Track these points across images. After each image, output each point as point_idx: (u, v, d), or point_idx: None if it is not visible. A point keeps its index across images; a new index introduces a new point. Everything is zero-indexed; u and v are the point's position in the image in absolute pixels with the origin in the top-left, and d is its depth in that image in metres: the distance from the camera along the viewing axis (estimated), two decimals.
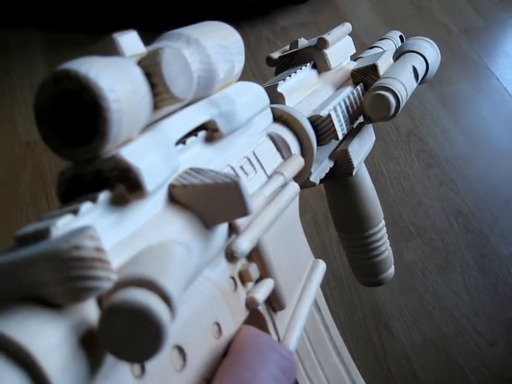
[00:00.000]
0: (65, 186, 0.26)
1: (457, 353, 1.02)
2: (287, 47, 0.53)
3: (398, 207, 1.17)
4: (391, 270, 0.56)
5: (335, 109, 0.43)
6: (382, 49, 0.59)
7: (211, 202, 0.27)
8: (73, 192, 0.26)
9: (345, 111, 0.45)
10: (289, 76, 0.44)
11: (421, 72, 0.52)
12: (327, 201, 0.54)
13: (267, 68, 1.40)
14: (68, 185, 0.26)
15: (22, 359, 0.18)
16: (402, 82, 0.46)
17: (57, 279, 0.19)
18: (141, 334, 0.19)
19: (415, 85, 0.50)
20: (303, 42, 0.52)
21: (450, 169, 1.26)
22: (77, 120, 0.25)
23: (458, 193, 1.23)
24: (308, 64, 0.48)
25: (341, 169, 0.47)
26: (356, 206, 0.53)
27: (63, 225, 0.22)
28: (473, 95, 1.42)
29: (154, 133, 0.28)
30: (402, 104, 0.45)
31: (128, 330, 0.19)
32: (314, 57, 0.49)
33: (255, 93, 0.37)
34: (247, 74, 1.38)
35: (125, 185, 0.25)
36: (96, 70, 0.24)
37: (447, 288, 1.09)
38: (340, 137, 0.42)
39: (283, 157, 0.37)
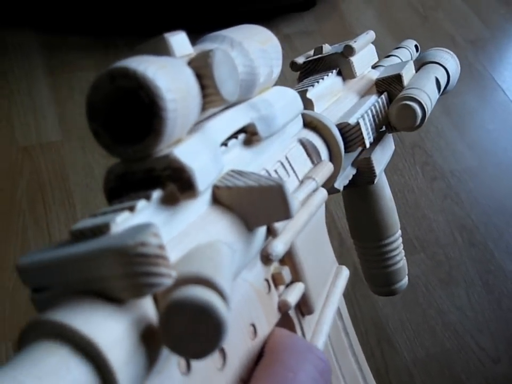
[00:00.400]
0: (113, 183, 0.27)
1: (460, 369, 1.01)
2: (311, 52, 0.53)
3: (402, 220, 1.16)
4: (405, 280, 0.57)
5: (362, 117, 0.43)
6: (399, 58, 0.59)
7: (254, 205, 0.28)
8: (121, 189, 0.27)
9: (371, 119, 0.45)
10: (317, 82, 0.45)
11: (443, 84, 0.53)
12: (344, 208, 0.54)
13: None
14: (116, 182, 0.27)
15: (87, 351, 0.19)
16: (427, 93, 0.47)
17: (121, 274, 0.20)
18: (202, 330, 0.20)
19: (438, 96, 0.51)
20: (327, 48, 0.52)
21: (455, 182, 1.26)
22: (130, 118, 0.26)
23: (463, 207, 1.22)
24: (334, 71, 0.48)
25: (363, 177, 0.47)
26: (375, 215, 0.53)
27: (121, 221, 0.23)
28: (479, 107, 1.42)
29: (202, 134, 0.29)
30: (427, 115, 0.46)
31: (189, 327, 0.20)
32: (340, 64, 0.49)
33: (291, 98, 0.38)
34: None
35: (176, 185, 0.26)
36: (153, 69, 0.25)
37: (450, 303, 1.08)
38: (367, 145, 0.43)
39: (313, 162, 0.38)
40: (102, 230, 0.22)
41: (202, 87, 0.27)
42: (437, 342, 1.03)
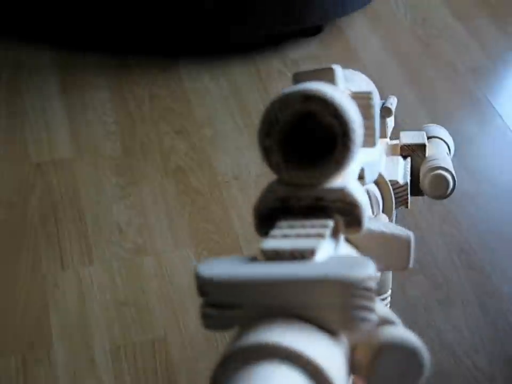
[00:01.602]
0: (271, 203, 0.27)
1: None
2: None
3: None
4: None
5: (405, 178, 0.46)
6: None
7: (380, 249, 0.28)
8: (277, 210, 0.27)
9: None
10: None
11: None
12: None
13: None
14: (275, 203, 0.27)
15: (318, 379, 0.19)
16: (452, 166, 0.50)
17: (339, 305, 0.20)
18: (409, 371, 0.20)
19: None
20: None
21: (454, 207, 1.28)
22: (305, 142, 0.26)
23: (461, 230, 1.24)
24: None
25: None
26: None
27: (321, 249, 0.22)
28: (478, 133, 1.44)
29: (351, 172, 0.29)
30: (456, 185, 0.49)
31: (397, 368, 0.20)
32: None
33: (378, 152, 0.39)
34: (256, 106, 1.42)
35: (344, 218, 0.26)
36: (347, 104, 0.25)
37: (448, 323, 1.10)
38: (409, 205, 0.45)
39: (373, 212, 0.39)
40: (304, 255, 0.22)
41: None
42: (434, 362, 1.05)
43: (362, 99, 0.29)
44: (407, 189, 0.45)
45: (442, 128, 0.61)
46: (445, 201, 1.27)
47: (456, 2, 1.77)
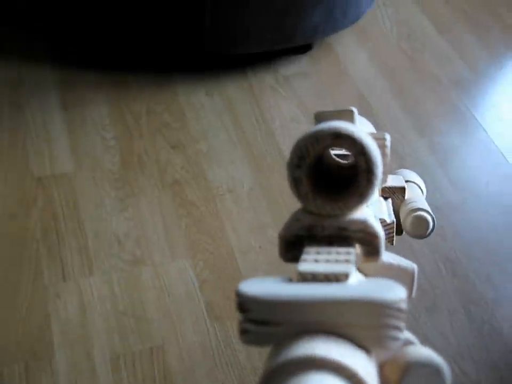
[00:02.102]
0: (297, 231, 0.28)
1: None
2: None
3: (390, 252, 1.22)
4: None
5: (391, 216, 0.48)
6: None
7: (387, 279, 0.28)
8: (302, 237, 0.28)
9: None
10: None
11: None
12: None
13: (269, 113, 1.46)
14: (299, 231, 0.28)
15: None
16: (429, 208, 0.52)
17: (375, 324, 0.22)
18: None
19: None
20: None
21: (439, 216, 1.27)
22: (333, 176, 0.27)
23: (447, 240, 1.26)
24: None
25: None
26: None
27: (352, 273, 0.24)
28: (462, 145, 1.46)
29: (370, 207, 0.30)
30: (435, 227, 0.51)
31: None
32: None
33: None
34: (249, 120, 1.43)
35: (364, 248, 0.27)
36: (376, 157, 0.27)
37: (435, 330, 1.13)
38: (394, 243, 0.47)
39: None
40: (339, 278, 0.23)
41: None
42: None
43: (378, 139, 0.32)
44: (393, 227, 0.46)
45: (413, 172, 0.63)
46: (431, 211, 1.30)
47: (440, 18, 1.79)
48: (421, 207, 0.51)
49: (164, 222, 1.23)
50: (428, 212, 0.51)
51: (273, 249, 1.18)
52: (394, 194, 0.54)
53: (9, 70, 1.49)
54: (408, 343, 0.24)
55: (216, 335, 1.08)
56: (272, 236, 1.23)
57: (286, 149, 1.38)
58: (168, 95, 1.47)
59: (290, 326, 0.22)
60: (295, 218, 0.29)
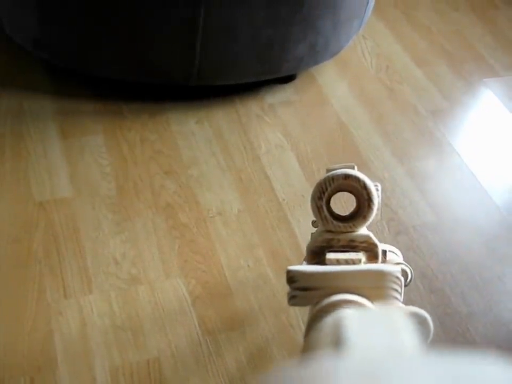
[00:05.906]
0: (320, 243, 0.38)
1: None
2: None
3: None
4: None
5: None
6: None
7: None
8: (323, 247, 0.37)
9: None
10: None
11: None
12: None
13: (256, 140, 1.49)
14: (322, 243, 0.37)
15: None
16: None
17: (382, 286, 0.31)
18: (421, 332, 0.30)
19: None
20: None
21: (417, 236, 1.33)
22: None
23: (424, 258, 1.29)
24: None
25: None
26: None
27: (363, 261, 0.33)
28: (438, 169, 1.49)
29: None
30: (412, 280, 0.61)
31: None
32: None
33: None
34: (237, 147, 1.47)
35: (367, 254, 0.37)
36: (369, 182, 0.38)
37: None
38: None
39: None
40: (355, 262, 0.32)
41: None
42: None
43: (374, 186, 0.42)
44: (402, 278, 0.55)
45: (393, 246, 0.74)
46: (409, 231, 1.34)
47: (417, 51, 1.85)
48: (401, 261, 0.61)
49: (158, 243, 1.26)
50: (407, 265, 0.62)
51: (261, 267, 1.23)
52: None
53: (12, 101, 1.52)
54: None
55: (208, 347, 1.10)
56: (260, 255, 1.26)
57: (272, 173, 1.42)
58: (160, 124, 1.50)
59: (325, 290, 0.32)
60: (318, 234, 0.38)
